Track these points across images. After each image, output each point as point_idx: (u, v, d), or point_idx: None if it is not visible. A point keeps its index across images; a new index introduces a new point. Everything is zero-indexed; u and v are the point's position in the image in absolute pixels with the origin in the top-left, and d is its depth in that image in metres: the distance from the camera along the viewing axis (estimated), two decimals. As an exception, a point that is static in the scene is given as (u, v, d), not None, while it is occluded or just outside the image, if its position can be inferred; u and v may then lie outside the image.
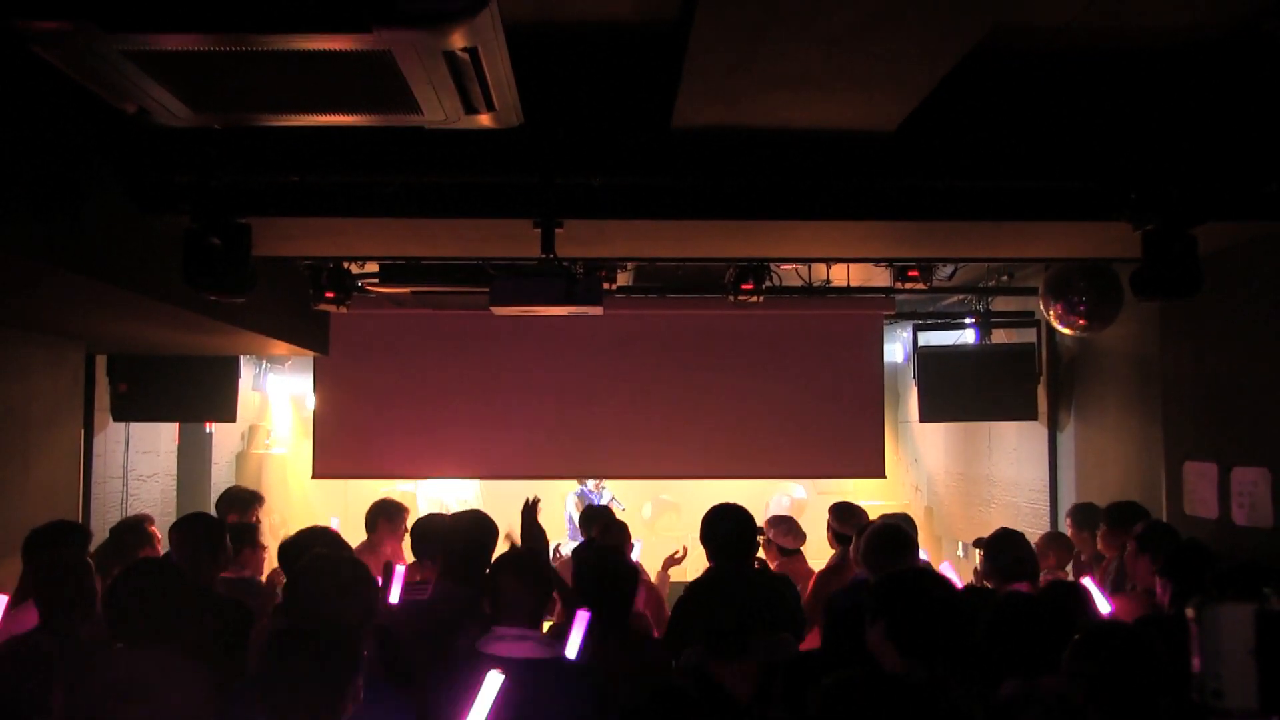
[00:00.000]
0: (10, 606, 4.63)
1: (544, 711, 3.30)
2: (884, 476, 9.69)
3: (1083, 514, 6.71)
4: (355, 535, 5.80)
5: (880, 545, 4.61)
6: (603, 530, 5.86)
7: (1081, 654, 2.86)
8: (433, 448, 8.95)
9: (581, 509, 10.24)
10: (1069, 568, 6.37)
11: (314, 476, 9.24)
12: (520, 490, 11.85)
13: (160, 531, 5.78)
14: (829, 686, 2.44)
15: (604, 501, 10.32)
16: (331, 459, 8.99)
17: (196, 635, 3.72)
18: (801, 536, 6.18)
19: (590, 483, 10.60)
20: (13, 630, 4.11)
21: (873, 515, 6.50)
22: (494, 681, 3.19)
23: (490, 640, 3.47)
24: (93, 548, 5.98)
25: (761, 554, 6.02)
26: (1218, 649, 1.96)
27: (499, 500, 12.10)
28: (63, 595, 4.04)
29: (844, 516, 5.97)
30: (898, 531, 4.73)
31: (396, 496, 11.27)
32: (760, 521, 5.44)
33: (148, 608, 3.52)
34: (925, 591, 3.24)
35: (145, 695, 3.37)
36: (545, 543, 5.50)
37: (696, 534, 4.73)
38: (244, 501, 6.68)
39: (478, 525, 4.53)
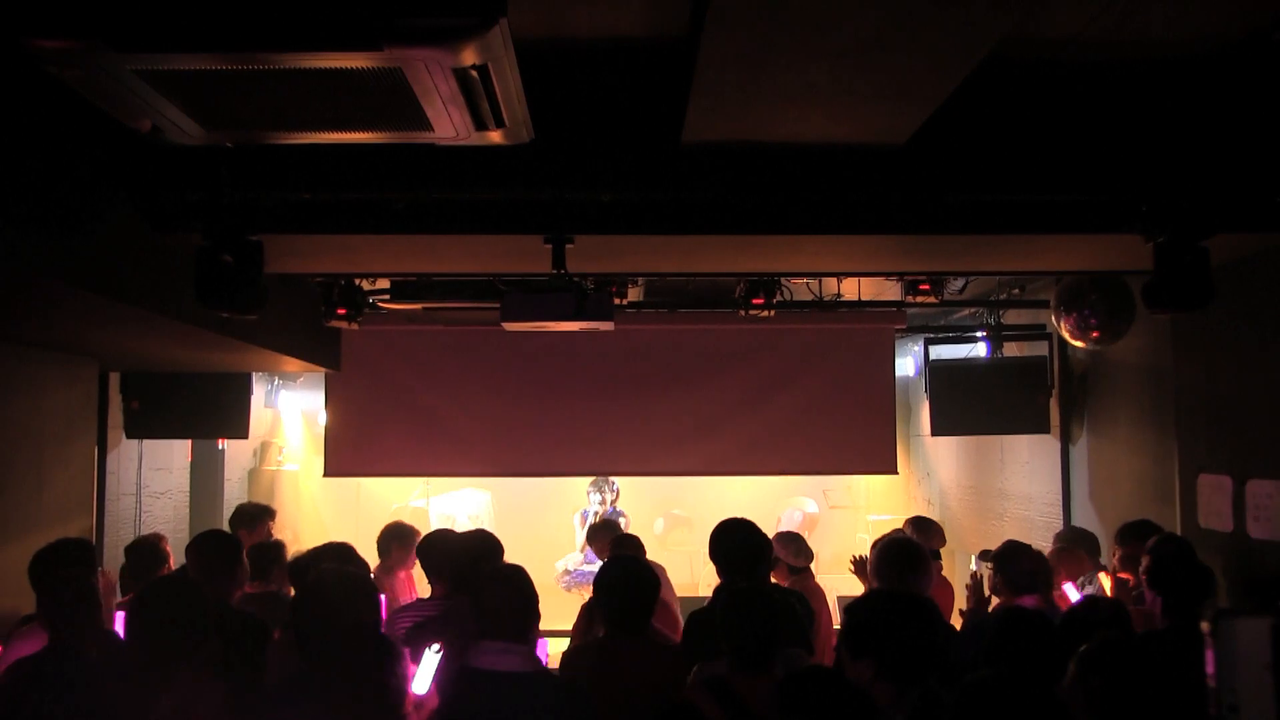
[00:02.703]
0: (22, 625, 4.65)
1: None
2: (895, 473, 9.74)
3: (1072, 537, 6.65)
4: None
5: (893, 559, 4.59)
6: (615, 545, 5.85)
7: (1088, 666, 2.85)
8: (444, 446, 9.02)
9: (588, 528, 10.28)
10: (1078, 581, 6.33)
11: (325, 475, 9.31)
12: (532, 504, 11.95)
13: (175, 548, 5.79)
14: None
15: (609, 517, 10.31)
16: (343, 458, 9.07)
17: (214, 651, 3.74)
18: (809, 554, 6.17)
19: (594, 498, 10.59)
20: (22, 651, 4.12)
21: (884, 529, 6.51)
22: None
23: (476, 653, 3.47)
24: (104, 563, 6.02)
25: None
26: (1233, 664, 1.94)
27: (510, 514, 12.17)
28: (70, 613, 4.05)
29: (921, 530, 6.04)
30: (910, 545, 4.72)
31: (409, 512, 11.33)
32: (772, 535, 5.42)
33: (168, 625, 3.54)
34: (905, 622, 3.21)
35: (163, 711, 3.38)
36: None
37: (707, 548, 4.73)
38: (252, 516, 6.68)
39: (483, 541, 4.55)
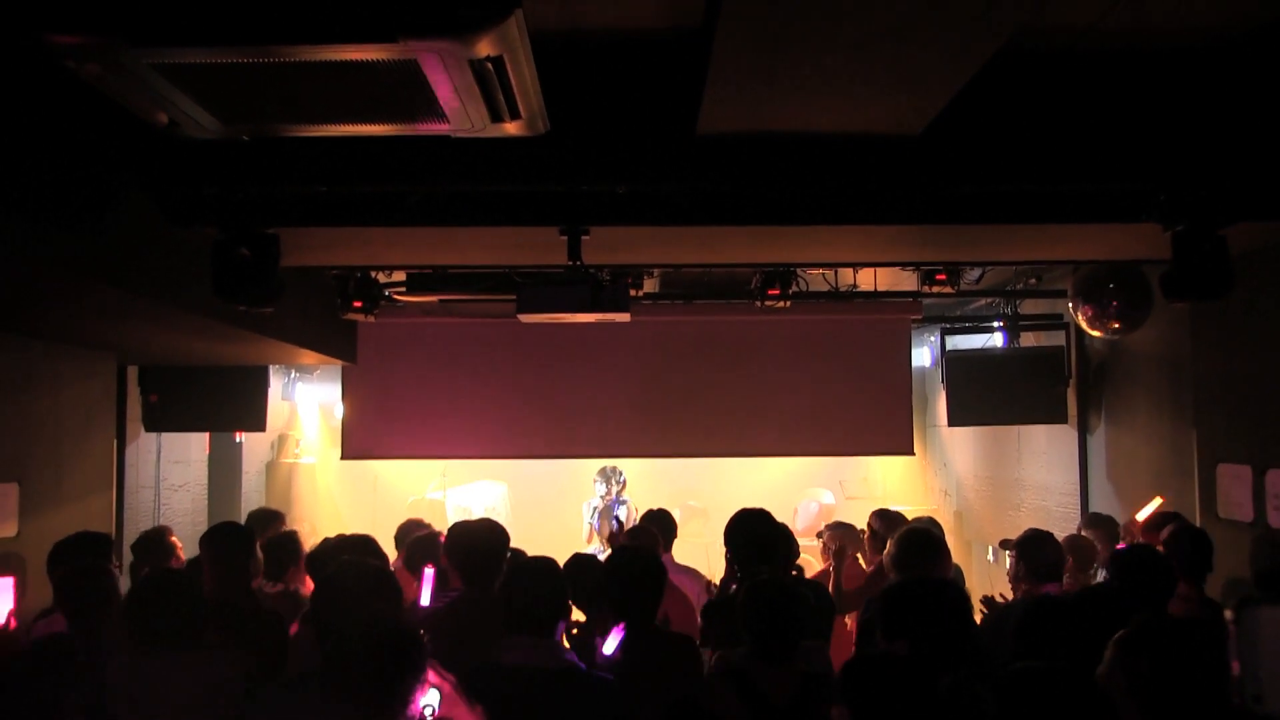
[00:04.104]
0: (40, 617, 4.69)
1: None
2: (912, 453, 9.79)
3: (1099, 523, 6.60)
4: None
5: (913, 550, 4.59)
6: (632, 535, 5.84)
7: (1129, 648, 2.83)
8: (460, 429, 9.09)
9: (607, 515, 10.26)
10: (1092, 570, 6.30)
11: (343, 458, 9.42)
12: (549, 496, 11.96)
13: (192, 540, 5.81)
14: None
15: (619, 511, 10.30)
16: (359, 441, 9.16)
17: (218, 641, 3.75)
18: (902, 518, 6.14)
19: (600, 488, 10.59)
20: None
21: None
22: None
23: (503, 649, 3.45)
24: (123, 557, 6.05)
25: (861, 552, 6.05)
26: (1257, 652, 1.93)
27: (527, 506, 12.17)
28: (88, 603, 4.08)
29: (889, 523, 5.98)
30: (929, 536, 4.72)
31: (425, 504, 11.34)
32: (792, 526, 5.41)
33: (161, 616, 3.56)
34: (940, 605, 3.24)
35: (156, 700, 3.40)
36: None
37: (722, 539, 4.72)
38: (264, 522, 6.68)
39: (490, 531, 4.53)
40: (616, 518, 10.00)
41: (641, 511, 10.11)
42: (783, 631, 3.49)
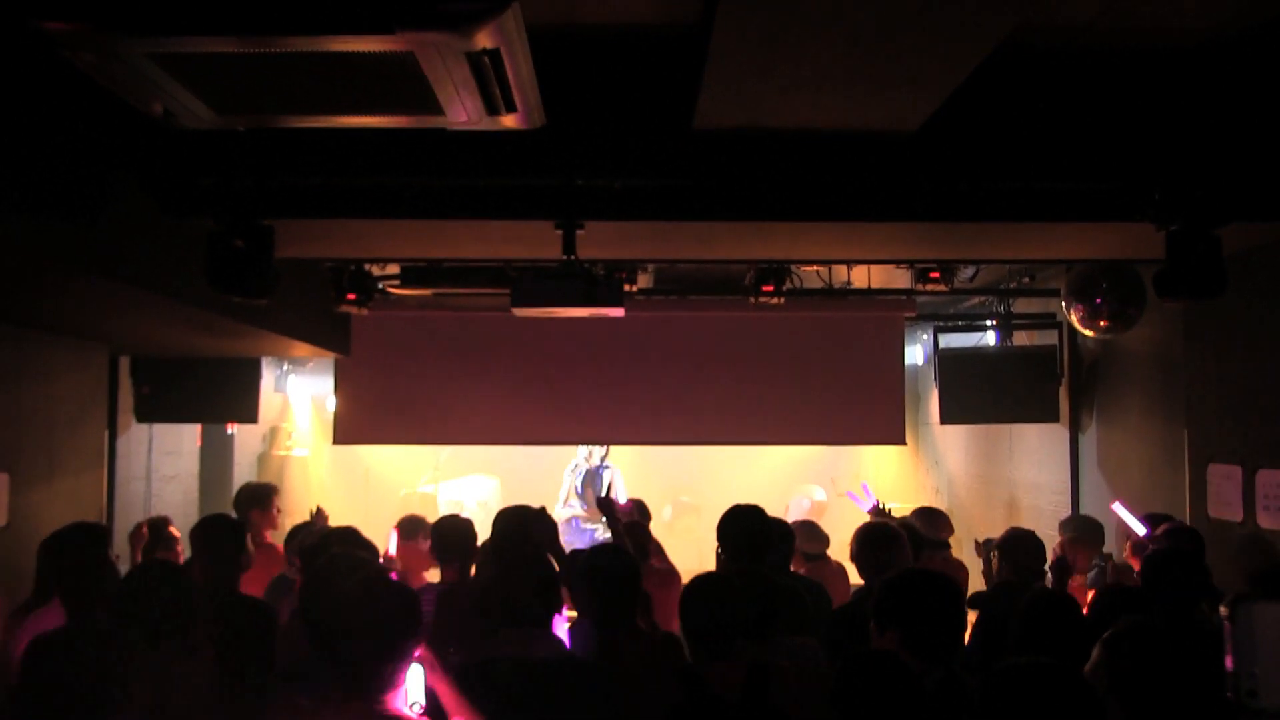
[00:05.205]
0: (29, 609, 4.67)
1: (559, 713, 3.28)
2: (904, 443, 9.83)
3: (1079, 526, 6.55)
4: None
5: (870, 544, 4.61)
6: (631, 531, 5.82)
7: (1113, 648, 2.84)
8: (453, 417, 9.11)
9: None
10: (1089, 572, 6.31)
11: (335, 443, 9.45)
12: (542, 492, 11.95)
13: (181, 532, 5.81)
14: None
15: (603, 474, 10.32)
16: (352, 427, 9.18)
17: (205, 634, 3.73)
18: (824, 539, 6.17)
19: (582, 451, 10.58)
20: (41, 627, 4.14)
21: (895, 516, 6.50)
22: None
23: (499, 641, 3.43)
24: (115, 547, 6.05)
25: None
26: (1252, 648, 1.94)
27: (518, 500, 12.16)
28: (88, 595, 4.08)
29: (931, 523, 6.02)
30: (885, 528, 4.76)
31: (417, 498, 11.33)
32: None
33: (149, 608, 3.54)
34: (935, 597, 3.26)
35: (149, 697, 3.39)
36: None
37: (715, 535, 4.72)
38: (264, 497, 6.67)
39: (518, 515, 4.52)
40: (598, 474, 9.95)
41: (625, 479, 10.11)
42: (715, 626, 3.46)
